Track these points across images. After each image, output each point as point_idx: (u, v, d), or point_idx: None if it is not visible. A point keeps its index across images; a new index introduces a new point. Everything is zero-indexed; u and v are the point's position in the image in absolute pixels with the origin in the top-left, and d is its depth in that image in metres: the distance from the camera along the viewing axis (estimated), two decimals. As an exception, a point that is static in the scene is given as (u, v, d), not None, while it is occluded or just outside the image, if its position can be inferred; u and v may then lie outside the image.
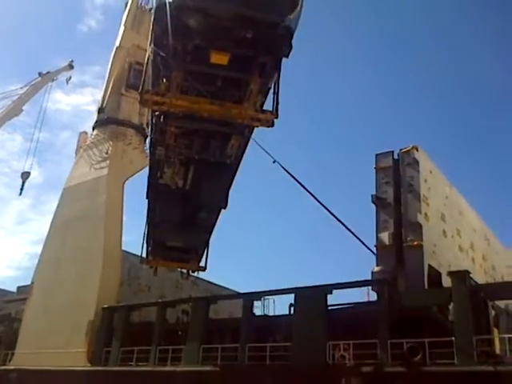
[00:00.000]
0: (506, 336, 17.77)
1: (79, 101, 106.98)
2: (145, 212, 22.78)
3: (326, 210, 13.26)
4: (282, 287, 22.86)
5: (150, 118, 18.35)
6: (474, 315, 17.61)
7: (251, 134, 16.04)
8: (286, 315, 22.59)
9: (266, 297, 24.39)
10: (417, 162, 22.49)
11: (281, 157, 14.71)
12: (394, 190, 22.77)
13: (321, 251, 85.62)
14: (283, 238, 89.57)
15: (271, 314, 24.68)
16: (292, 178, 14.41)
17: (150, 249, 24.90)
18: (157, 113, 16.07)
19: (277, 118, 14.15)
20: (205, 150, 16.87)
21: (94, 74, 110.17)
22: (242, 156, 17.33)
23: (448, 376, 16.28)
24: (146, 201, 22.15)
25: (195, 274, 28.37)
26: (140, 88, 14.60)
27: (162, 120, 16.15)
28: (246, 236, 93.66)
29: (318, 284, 21.22)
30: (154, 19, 13.46)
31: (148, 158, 20.93)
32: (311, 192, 14.00)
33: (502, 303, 20.64)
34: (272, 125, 14.26)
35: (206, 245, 23.80)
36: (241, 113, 14.30)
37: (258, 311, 24.54)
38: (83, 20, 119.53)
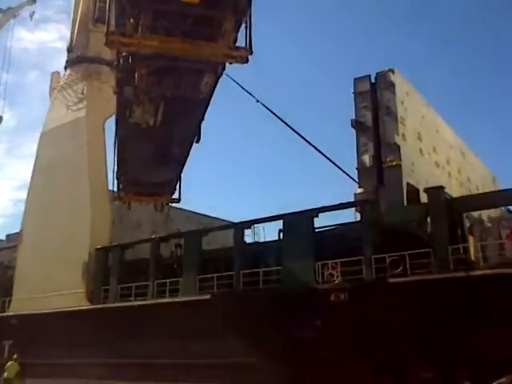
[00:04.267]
0: (480, 243, 19.21)
1: (44, 38, 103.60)
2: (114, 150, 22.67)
3: (307, 143, 13.40)
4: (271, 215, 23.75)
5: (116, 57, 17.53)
6: (449, 227, 18.76)
7: (224, 69, 15.61)
8: (275, 241, 23.59)
9: (256, 225, 25.40)
10: (393, 85, 22.98)
11: (258, 91, 14.57)
12: (372, 114, 23.38)
13: (304, 179, 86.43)
14: (267, 169, 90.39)
15: (261, 240, 25.91)
16: (272, 113, 14.31)
17: (121, 185, 24.84)
18: (124, 54, 15.52)
19: (251, 54, 13.95)
20: (176, 87, 16.34)
21: (57, 8, 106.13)
22: (213, 90, 16.90)
23: (425, 284, 17.53)
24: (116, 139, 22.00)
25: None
26: (105, 29, 14.05)
27: (129, 60, 15.51)
28: (230, 168, 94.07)
29: (304, 209, 22.12)
30: None
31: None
32: (292, 127, 14.10)
33: (476, 213, 21.84)
34: (246, 61, 14.05)
35: (179, 178, 23.87)
36: (214, 51, 13.93)
37: (249, 239, 25.78)
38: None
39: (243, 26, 14.05)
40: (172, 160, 21.14)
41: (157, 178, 22.81)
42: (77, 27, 35.07)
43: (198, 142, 19.56)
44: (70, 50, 35.83)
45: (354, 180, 14.12)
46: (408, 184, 22.22)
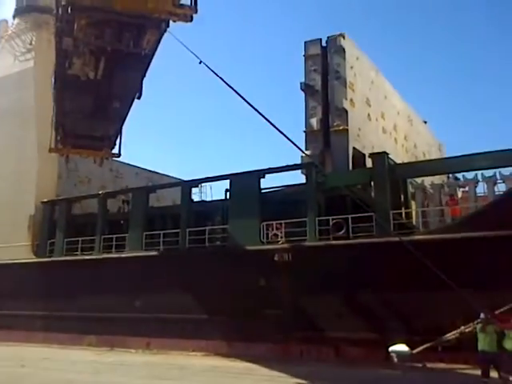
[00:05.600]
0: (420, 209, 19.96)
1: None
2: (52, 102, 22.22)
3: (252, 108, 13.35)
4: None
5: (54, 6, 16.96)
6: (392, 192, 19.40)
7: (168, 27, 14.98)
8: (222, 200, 23.94)
9: (203, 184, 25.63)
10: (343, 50, 23.24)
11: (202, 52, 14.23)
12: (321, 78, 23.59)
13: (251, 142, 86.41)
14: (215, 130, 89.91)
15: (208, 199, 26.16)
16: (215, 75, 14.06)
17: (59, 137, 24.55)
18: (63, 3, 14.89)
19: (196, 12, 13.73)
20: (117, 41, 15.72)
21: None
22: (157, 47, 16.38)
23: (366, 246, 18.16)
24: (53, 91, 21.41)
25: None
26: None
27: (69, 11, 14.71)
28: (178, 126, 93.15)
29: (251, 170, 22.41)
30: None
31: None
32: (236, 89, 13.94)
33: (419, 180, 22.58)
34: (191, 20, 13.81)
35: (120, 132, 23.69)
36: (157, 7, 13.54)
37: (196, 198, 25.95)
38: None
39: None
40: (112, 114, 20.65)
41: (96, 131, 22.30)
42: (26, -26, 33.56)
43: (139, 98, 18.98)
44: (18, -3, 34.28)
45: (298, 148, 14.28)
46: (354, 149, 22.73)
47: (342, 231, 19.19)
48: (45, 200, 28.92)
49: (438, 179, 24.16)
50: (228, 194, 23.29)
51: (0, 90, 32.43)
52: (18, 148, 30.16)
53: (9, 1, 35.35)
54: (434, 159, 27.27)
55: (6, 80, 32.44)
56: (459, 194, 21.38)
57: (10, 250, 27.78)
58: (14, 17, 34.70)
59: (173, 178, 36.29)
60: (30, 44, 32.32)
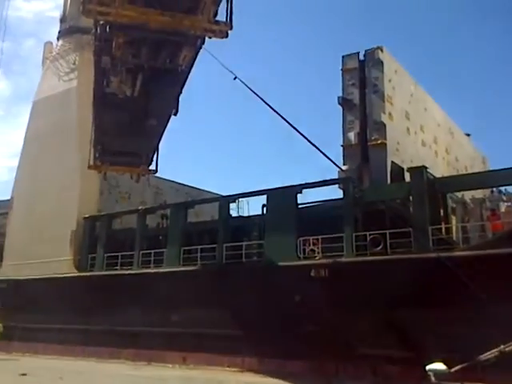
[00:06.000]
0: (460, 224, 19.40)
1: (41, 7, 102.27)
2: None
3: (290, 126, 13.19)
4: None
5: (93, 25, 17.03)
6: (430, 207, 18.91)
7: (203, 43, 15.20)
8: (259, 215, 23.86)
9: (241, 199, 25.63)
10: (381, 63, 22.97)
11: (238, 68, 14.16)
12: (359, 91, 23.39)
13: (287, 158, 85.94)
14: (253, 147, 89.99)
15: (246, 214, 26.16)
16: (251, 91, 14.00)
17: (97, 154, 24.37)
18: (101, 22, 15.07)
19: (231, 29, 13.74)
20: (154, 59, 16.03)
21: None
22: (193, 64, 16.58)
23: (404, 262, 17.71)
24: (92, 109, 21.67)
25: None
26: None
27: (107, 29, 15.15)
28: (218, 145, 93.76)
29: (288, 185, 22.25)
30: None
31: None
32: (274, 108, 13.84)
33: (459, 194, 21.99)
34: (226, 36, 13.81)
35: (156, 149, 23.95)
36: (193, 24, 13.52)
37: (233, 213, 25.99)
38: None
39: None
40: (149, 131, 20.97)
41: (133, 148, 22.70)
42: (70, -2, 34.73)
43: (175, 114, 19.31)
44: (62, 20, 35.48)
45: (335, 164, 14.14)
46: (392, 163, 22.36)
47: (380, 247, 18.82)
48: (86, 216, 29.53)
49: (479, 193, 23.51)
50: (265, 209, 23.24)
51: (46, 109, 33.68)
52: (61, 165, 30.99)
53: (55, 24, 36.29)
54: (475, 173, 26.56)
55: (51, 100, 33.57)
56: (502, 209, 20.68)
57: (54, 264, 28.45)
58: (58, 38, 35.90)
59: (212, 193, 36.58)
60: (74, 64, 33.27)
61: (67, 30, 34.79)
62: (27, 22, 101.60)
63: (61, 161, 31.06)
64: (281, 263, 20.59)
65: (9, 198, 35.90)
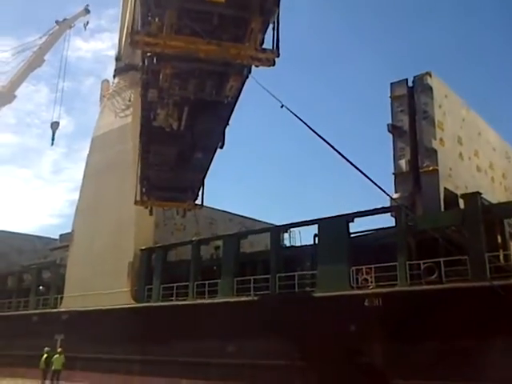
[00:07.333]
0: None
1: (99, 47, 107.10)
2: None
3: (339, 155, 13.12)
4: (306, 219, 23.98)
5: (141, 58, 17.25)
6: (487, 233, 18.46)
7: (250, 72, 15.00)
8: (311, 245, 23.82)
9: (292, 229, 25.76)
10: (430, 88, 22.70)
11: (286, 96, 14.13)
12: (409, 118, 23.20)
13: (337, 187, 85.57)
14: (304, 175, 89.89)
15: (297, 244, 26.18)
16: (298, 119, 14.01)
17: (144, 189, 24.57)
18: (148, 54, 15.13)
19: (278, 56, 13.46)
20: (200, 91, 16.01)
21: (109, 18, 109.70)
22: (239, 94, 16.41)
23: (460, 291, 17.32)
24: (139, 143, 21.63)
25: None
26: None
27: (154, 61, 15.25)
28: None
29: (339, 214, 22.24)
30: None
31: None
32: (323, 137, 13.80)
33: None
34: (273, 64, 13.56)
35: (202, 183, 23.62)
36: (240, 53, 13.39)
37: (286, 243, 26.08)
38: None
39: (270, 26, 13.50)
40: (195, 165, 20.93)
41: (179, 183, 22.71)
42: (124, 36, 36.09)
43: (221, 147, 19.25)
44: (118, 58, 36.98)
45: (384, 192, 14.03)
46: (446, 189, 21.92)
47: (434, 275, 18.45)
48: (143, 248, 30.25)
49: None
50: (317, 238, 23.21)
51: (104, 145, 35.00)
52: (118, 198, 31.91)
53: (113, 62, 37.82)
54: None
55: (109, 135, 34.88)
56: None
57: (112, 295, 29.21)
58: (114, 76, 37.33)
59: (265, 223, 36.72)
60: (129, 101, 34.41)
61: (122, 68, 36.19)
62: (86, 62, 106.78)
63: (117, 195, 32.04)
64: (334, 293, 20.48)
65: (69, 231, 37.34)
